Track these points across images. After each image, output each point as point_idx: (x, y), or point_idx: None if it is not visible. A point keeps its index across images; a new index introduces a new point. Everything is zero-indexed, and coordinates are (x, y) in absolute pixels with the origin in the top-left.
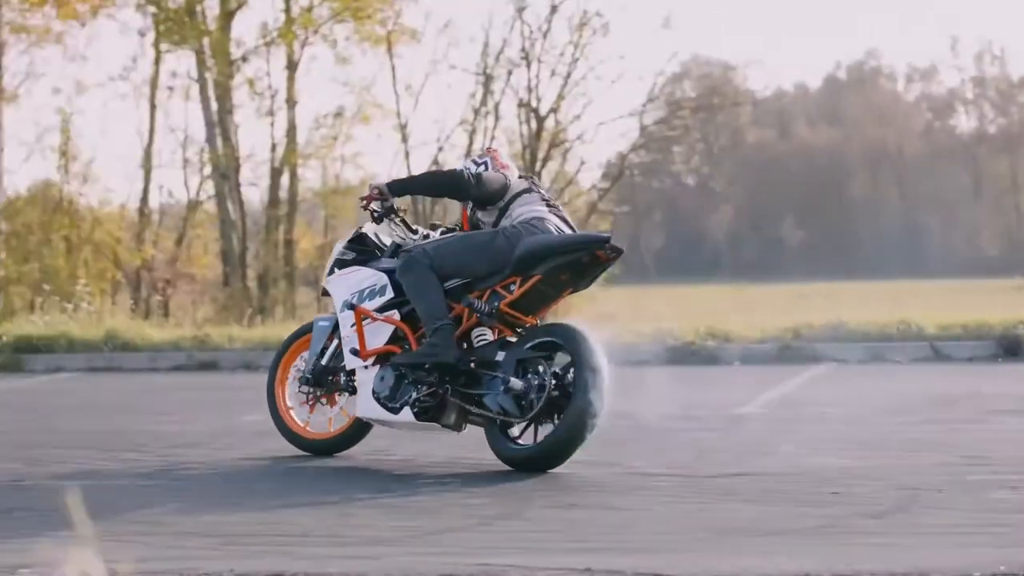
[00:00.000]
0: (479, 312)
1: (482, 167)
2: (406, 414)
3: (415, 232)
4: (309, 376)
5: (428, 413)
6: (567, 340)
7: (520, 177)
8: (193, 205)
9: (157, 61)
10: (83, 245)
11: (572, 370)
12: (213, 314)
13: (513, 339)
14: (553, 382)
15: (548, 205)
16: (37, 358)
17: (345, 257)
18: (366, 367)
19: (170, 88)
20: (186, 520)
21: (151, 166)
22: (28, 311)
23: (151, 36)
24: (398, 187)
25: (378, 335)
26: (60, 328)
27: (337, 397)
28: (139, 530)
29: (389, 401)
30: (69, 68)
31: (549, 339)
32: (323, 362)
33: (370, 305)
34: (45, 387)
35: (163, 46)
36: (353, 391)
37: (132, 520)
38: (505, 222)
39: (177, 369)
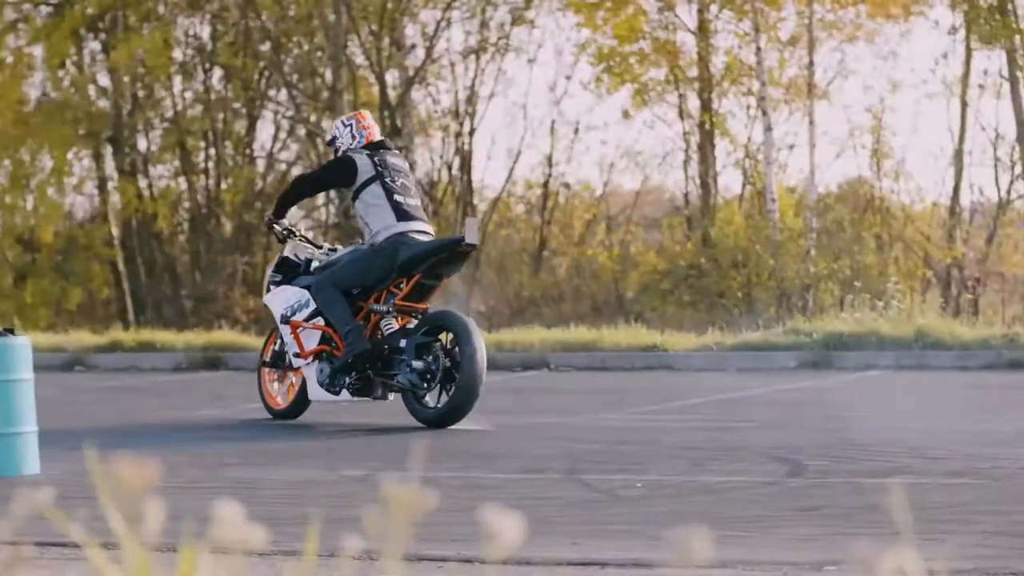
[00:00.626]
0: (379, 312)
1: (349, 127)
2: (344, 395)
3: (320, 247)
4: (267, 360)
5: (361, 391)
6: (451, 324)
7: (371, 149)
8: (1004, 204)
9: (967, 59)
10: (894, 242)
11: (457, 347)
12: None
13: (412, 325)
14: (445, 357)
15: (389, 180)
16: (847, 355)
17: (275, 279)
18: (308, 363)
19: (980, 86)
20: (994, 519)
21: (962, 164)
22: (838, 308)
23: (962, 34)
24: (276, 211)
25: (312, 338)
26: (870, 325)
27: (287, 376)
28: (946, 528)
29: (330, 387)
30: (880, 66)
31: (438, 324)
32: (276, 348)
33: (300, 316)
34: (854, 384)
35: (973, 44)
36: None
37: (939, 518)
38: (373, 225)
39: (986, 368)
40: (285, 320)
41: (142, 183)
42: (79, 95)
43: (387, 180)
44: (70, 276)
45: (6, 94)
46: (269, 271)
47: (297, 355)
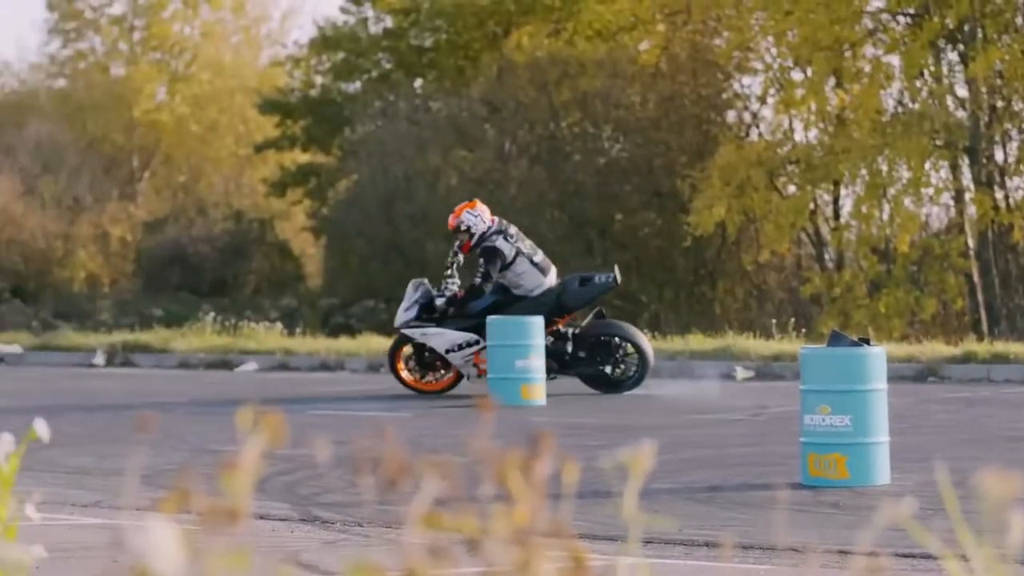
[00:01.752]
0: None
1: (478, 216)
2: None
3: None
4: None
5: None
6: (625, 331)
7: (500, 233)
8: None
9: None
10: None
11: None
12: None
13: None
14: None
15: (523, 249)
16: None
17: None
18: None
19: None
20: None
21: None
22: None
23: None
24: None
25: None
26: None
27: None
28: None
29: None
30: None
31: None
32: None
33: (472, 350)
34: None
35: None
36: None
37: None
38: (529, 286)
39: None
40: (451, 351)
41: (998, 195)
42: (937, 105)
43: (523, 251)
44: (924, 287)
45: (864, 104)
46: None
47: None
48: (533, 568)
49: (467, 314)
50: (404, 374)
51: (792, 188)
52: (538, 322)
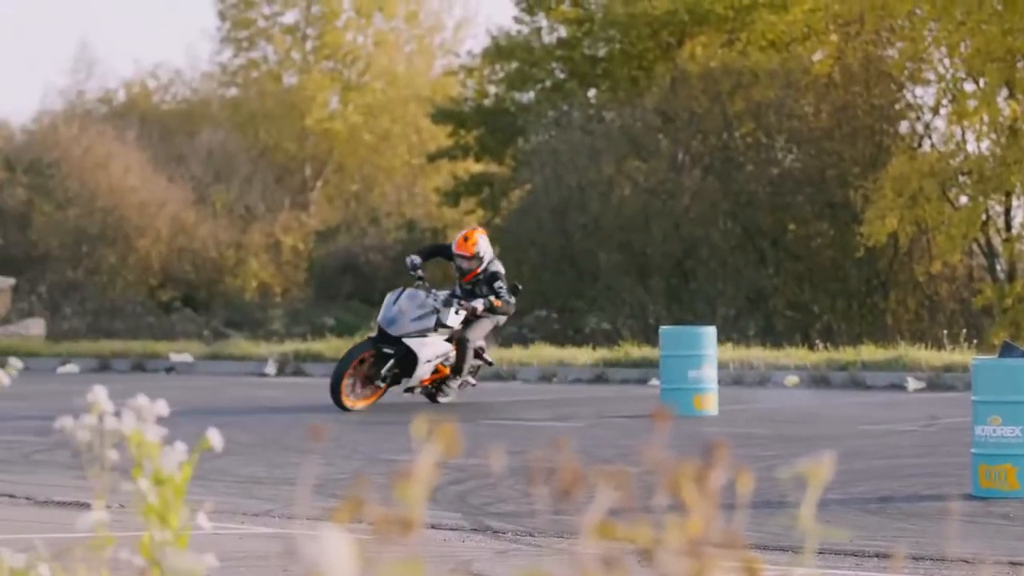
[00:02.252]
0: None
1: (487, 240)
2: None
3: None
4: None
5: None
6: None
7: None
8: None
9: None
10: None
11: None
12: None
13: None
14: None
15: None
16: None
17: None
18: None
19: None
20: None
21: None
22: None
23: None
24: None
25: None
26: None
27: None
28: None
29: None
30: None
31: None
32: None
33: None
34: None
35: None
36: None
37: None
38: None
39: None
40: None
41: None
42: None
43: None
44: None
45: None
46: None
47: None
48: None
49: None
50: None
51: (964, 199)
52: (711, 333)
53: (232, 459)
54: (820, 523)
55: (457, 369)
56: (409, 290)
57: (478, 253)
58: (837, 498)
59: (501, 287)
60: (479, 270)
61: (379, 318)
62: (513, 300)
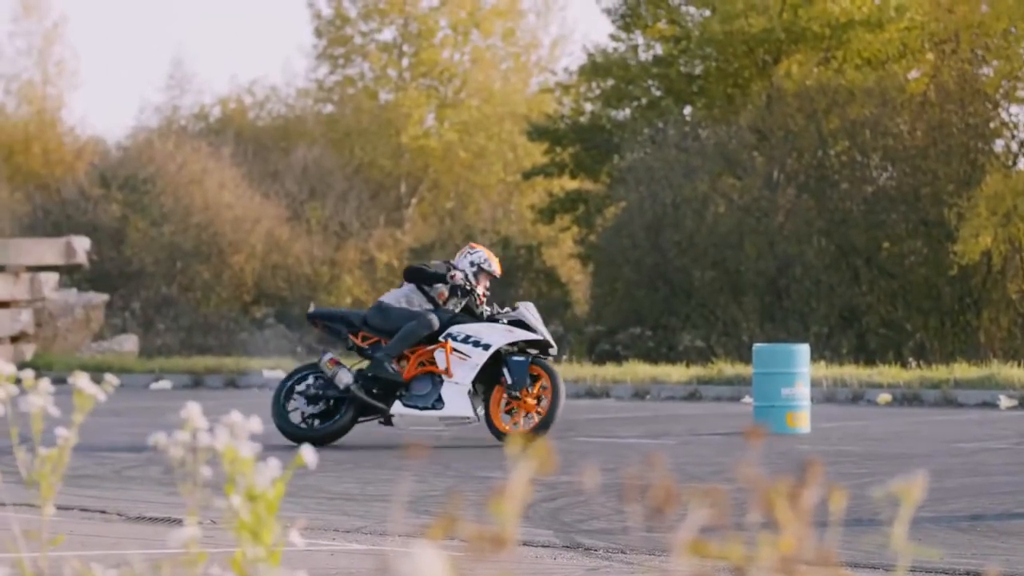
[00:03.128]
0: None
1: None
2: None
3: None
4: None
5: None
6: None
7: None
8: None
9: None
10: None
11: None
12: None
13: None
14: None
15: None
16: None
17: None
18: None
19: None
20: None
21: None
22: None
23: None
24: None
25: None
26: None
27: None
28: None
29: None
30: None
31: None
32: None
33: None
34: None
35: None
36: None
37: None
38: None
39: None
40: None
41: None
42: None
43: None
44: None
45: None
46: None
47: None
48: None
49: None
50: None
51: None
52: (804, 350)
53: (325, 476)
54: (912, 541)
55: None
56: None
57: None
58: (929, 516)
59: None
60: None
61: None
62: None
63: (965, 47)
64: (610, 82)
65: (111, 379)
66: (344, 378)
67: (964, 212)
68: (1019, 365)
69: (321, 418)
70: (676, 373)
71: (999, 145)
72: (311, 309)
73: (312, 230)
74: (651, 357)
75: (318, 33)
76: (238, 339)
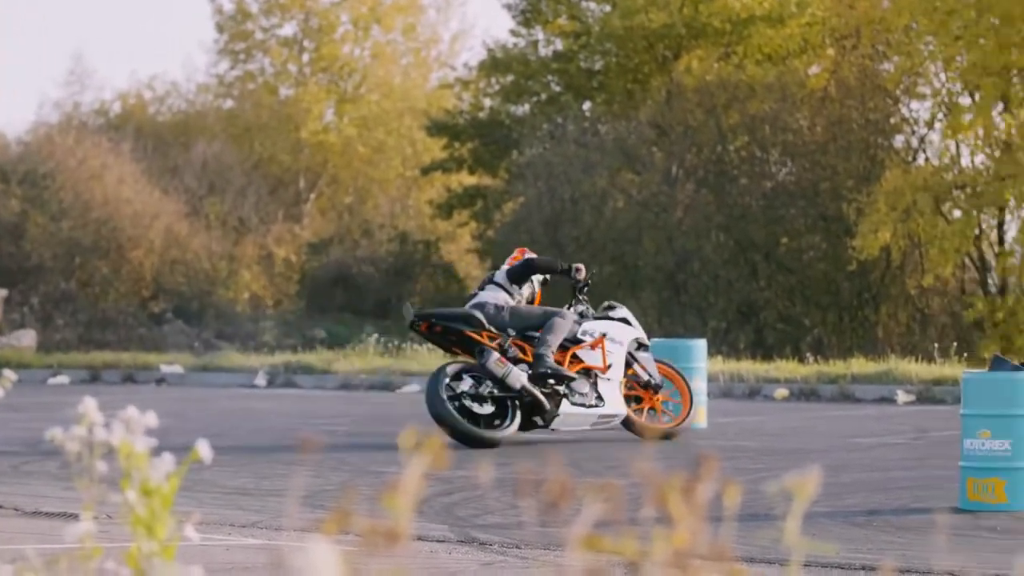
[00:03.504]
0: None
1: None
2: None
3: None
4: None
5: None
6: None
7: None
8: None
9: None
10: None
11: None
12: None
13: None
14: None
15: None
16: None
17: None
18: None
19: None
20: None
21: None
22: None
23: None
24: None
25: None
26: None
27: None
28: None
29: None
30: None
31: None
32: None
33: None
34: None
35: None
36: None
37: None
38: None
39: None
40: None
41: None
42: None
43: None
44: None
45: None
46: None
47: None
48: None
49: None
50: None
51: (957, 213)
52: (701, 345)
53: (221, 471)
54: (807, 536)
55: None
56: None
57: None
58: (825, 511)
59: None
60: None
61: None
62: None
63: (866, 43)
64: (510, 77)
65: (9, 374)
66: (519, 378)
67: (863, 207)
68: (917, 360)
69: (489, 420)
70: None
71: (899, 141)
72: (412, 311)
73: (211, 225)
74: None
75: (219, 28)
76: (136, 334)
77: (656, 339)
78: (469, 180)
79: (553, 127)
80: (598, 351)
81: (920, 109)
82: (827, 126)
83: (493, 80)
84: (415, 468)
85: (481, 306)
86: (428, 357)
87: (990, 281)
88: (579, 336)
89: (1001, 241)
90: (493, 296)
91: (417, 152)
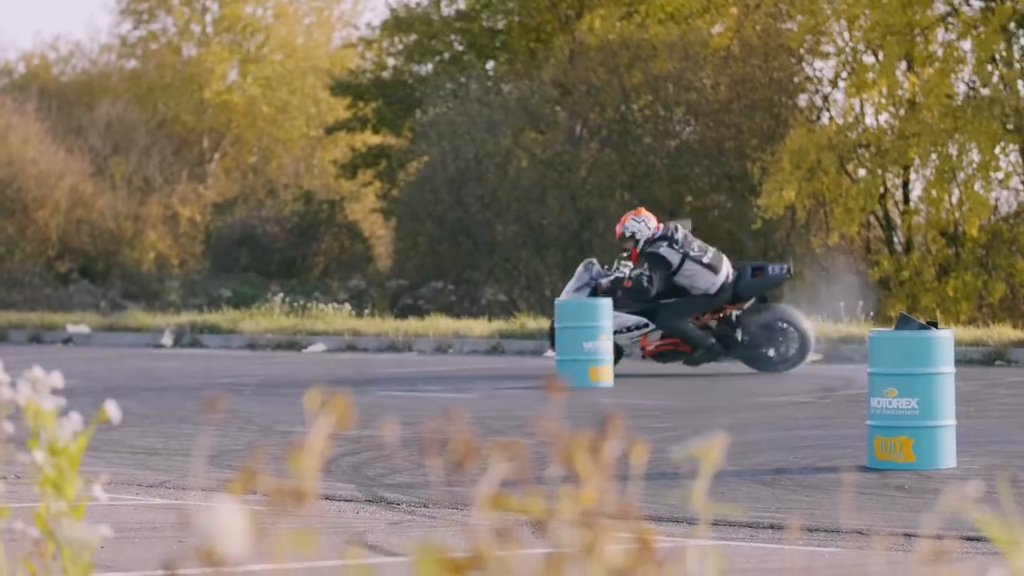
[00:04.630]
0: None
1: (643, 223)
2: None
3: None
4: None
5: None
6: (787, 314)
7: (665, 239)
8: None
9: None
10: None
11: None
12: None
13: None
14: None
15: (692, 252)
16: None
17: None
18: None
19: None
20: None
21: None
22: None
23: None
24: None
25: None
26: None
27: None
28: None
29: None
30: None
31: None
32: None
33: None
34: None
35: None
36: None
37: None
38: (702, 286)
39: None
40: (619, 332)
41: None
42: (1007, 90)
43: (690, 254)
44: (993, 270)
45: (935, 88)
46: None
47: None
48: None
49: (638, 299)
50: None
51: (862, 172)
52: (607, 304)
53: (128, 430)
54: (714, 496)
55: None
56: (585, 261)
57: (624, 233)
58: (732, 470)
59: (640, 273)
60: (636, 251)
61: None
62: (647, 286)
63: (769, 1)
64: (413, 37)
65: None
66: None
67: (768, 166)
68: (823, 319)
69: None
70: (478, 327)
71: (803, 99)
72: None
73: (116, 185)
74: (453, 311)
75: None
76: (42, 294)
77: (566, 300)
78: (373, 140)
79: (456, 86)
80: None
81: (824, 68)
82: (731, 85)
83: (396, 39)
84: (321, 428)
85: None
86: (333, 317)
87: (895, 240)
88: None
89: (906, 199)
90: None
91: (321, 112)
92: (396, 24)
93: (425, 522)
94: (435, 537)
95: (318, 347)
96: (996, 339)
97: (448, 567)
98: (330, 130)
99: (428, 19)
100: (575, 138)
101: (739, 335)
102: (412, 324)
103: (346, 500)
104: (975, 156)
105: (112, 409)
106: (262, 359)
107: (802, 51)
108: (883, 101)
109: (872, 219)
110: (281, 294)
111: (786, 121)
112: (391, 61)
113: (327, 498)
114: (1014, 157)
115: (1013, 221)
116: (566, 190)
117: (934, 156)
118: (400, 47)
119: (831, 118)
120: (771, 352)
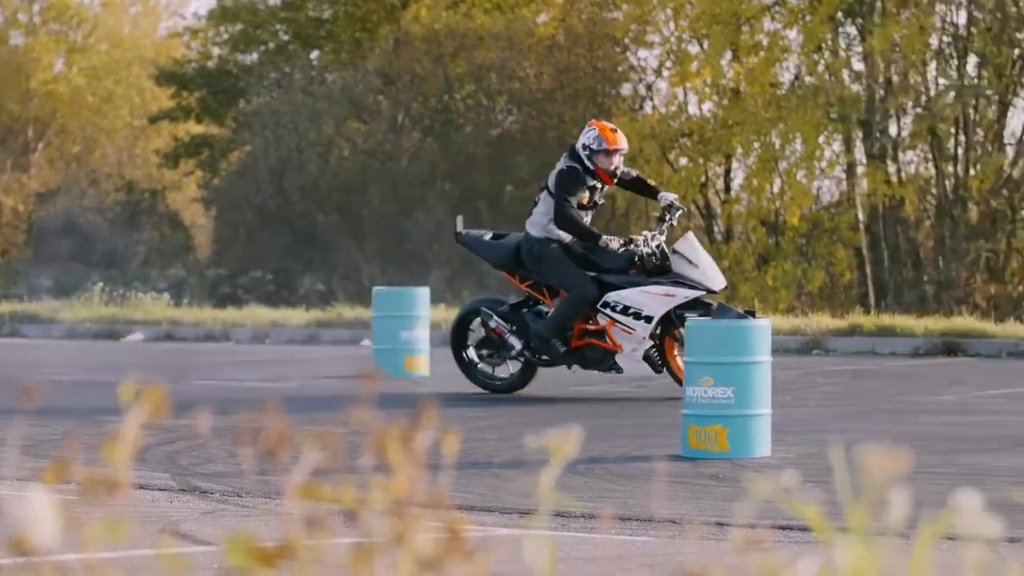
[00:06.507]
0: None
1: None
2: None
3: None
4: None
5: None
6: None
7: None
8: None
9: None
10: None
11: None
12: None
13: None
14: None
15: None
16: None
17: None
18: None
19: None
20: None
21: None
22: None
23: None
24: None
25: None
26: None
27: None
28: None
29: None
30: None
31: None
32: None
33: None
34: None
35: None
36: None
37: None
38: None
39: None
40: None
41: (891, 168)
42: (833, 79)
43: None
44: (812, 259)
45: (759, 77)
46: None
47: None
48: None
49: None
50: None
51: (684, 160)
52: (424, 293)
53: None
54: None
55: None
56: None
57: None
58: (544, 459)
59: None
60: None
61: None
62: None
63: None
64: (239, 26)
65: None
66: (515, 343)
67: None
68: None
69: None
70: (296, 316)
71: (626, 89)
72: (462, 230)
73: None
74: (272, 301)
75: None
76: None
77: (379, 287)
78: (197, 129)
79: (280, 76)
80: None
81: (648, 57)
82: (555, 74)
83: (222, 29)
84: (135, 417)
85: (529, 239)
86: (152, 306)
87: (716, 228)
88: (600, 312)
89: (728, 188)
90: (536, 219)
91: (145, 101)
92: (222, 14)
93: (238, 511)
94: (247, 526)
95: (136, 336)
96: (814, 328)
97: (258, 556)
98: (153, 119)
99: (254, 8)
100: (397, 128)
101: None
102: (230, 313)
103: (160, 489)
104: (799, 145)
105: None
106: (81, 348)
107: (627, 41)
108: (707, 90)
109: (693, 208)
110: (101, 283)
111: (609, 110)
112: (216, 51)
113: (141, 487)
114: (837, 146)
115: (834, 210)
116: (387, 179)
117: (757, 145)
118: (226, 36)
119: (654, 107)
120: None
